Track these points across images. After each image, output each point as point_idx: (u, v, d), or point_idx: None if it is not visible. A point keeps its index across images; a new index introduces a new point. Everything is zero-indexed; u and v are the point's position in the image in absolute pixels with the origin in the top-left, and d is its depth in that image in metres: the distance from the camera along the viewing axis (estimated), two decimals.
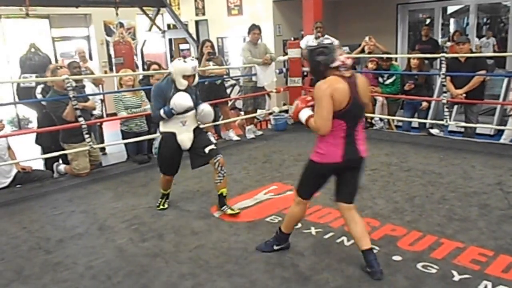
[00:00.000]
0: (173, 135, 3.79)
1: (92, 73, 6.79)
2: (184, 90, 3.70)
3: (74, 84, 4.90)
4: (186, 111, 3.74)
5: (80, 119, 4.88)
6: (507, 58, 8.13)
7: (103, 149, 6.68)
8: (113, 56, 8.06)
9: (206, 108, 3.87)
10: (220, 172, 3.78)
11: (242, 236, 3.44)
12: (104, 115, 7.44)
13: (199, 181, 4.78)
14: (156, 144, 5.89)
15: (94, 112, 5.83)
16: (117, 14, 7.81)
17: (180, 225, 3.71)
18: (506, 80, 6.77)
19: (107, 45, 10.27)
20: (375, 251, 2.91)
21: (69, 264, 3.15)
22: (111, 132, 6.82)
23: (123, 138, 5.65)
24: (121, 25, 8.35)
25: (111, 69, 9.88)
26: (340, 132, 2.72)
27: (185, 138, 3.80)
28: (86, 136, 4.98)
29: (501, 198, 3.91)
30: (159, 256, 3.20)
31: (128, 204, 4.25)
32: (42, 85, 5.32)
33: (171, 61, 11.49)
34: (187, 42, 10.12)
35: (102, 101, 6.84)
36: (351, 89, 2.67)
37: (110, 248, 3.37)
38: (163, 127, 3.85)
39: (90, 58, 10.01)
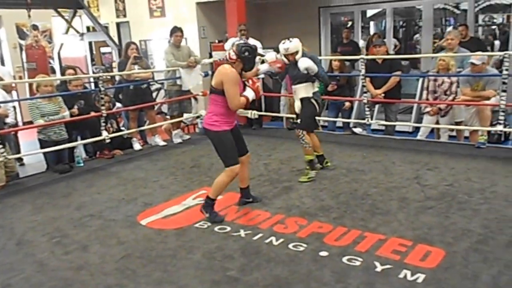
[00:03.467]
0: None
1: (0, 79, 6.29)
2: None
3: None
4: (293, 80, 4.63)
5: None
6: (421, 60, 8.65)
7: (20, 159, 6.25)
8: (25, 60, 7.57)
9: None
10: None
11: (170, 244, 3.36)
12: (20, 123, 6.96)
13: (124, 189, 4.62)
14: (77, 152, 5.62)
15: (7, 120, 5.45)
16: (29, 16, 7.33)
17: (106, 235, 3.56)
18: (420, 80, 7.20)
19: (21, 49, 9.64)
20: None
21: None
22: (28, 141, 6.39)
23: (41, 147, 5.33)
24: (35, 27, 7.86)
25: None
26: None
27: (296, 104, 4.72)
28: None
29: (418, 191, 4.16)
30: (83, 268, 3.05)
31: (49, 216, 4.02)
32: None
33: (92, 65, 11.06)
34: (109, 45, 9.77)
35: (15, 108, 6.38)
36: None
37: (30, 263, 3.17)
38: None
39: (2, 63, 9.34)
